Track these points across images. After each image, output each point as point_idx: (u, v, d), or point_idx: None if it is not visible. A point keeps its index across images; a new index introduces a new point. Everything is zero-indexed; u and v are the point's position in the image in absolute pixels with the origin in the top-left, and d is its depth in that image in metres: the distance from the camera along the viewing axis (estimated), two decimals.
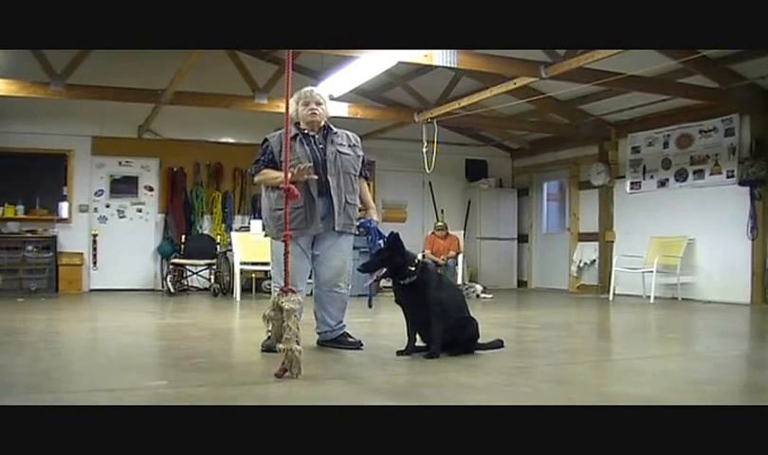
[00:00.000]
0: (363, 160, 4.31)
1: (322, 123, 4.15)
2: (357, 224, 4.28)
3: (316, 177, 3.90)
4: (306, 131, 4.12)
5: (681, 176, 9.19)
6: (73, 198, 10.18)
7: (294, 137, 4.00)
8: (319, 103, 4.12)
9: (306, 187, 3.91)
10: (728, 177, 8.52)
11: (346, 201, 4.10)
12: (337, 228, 4.06)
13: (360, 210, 4.32)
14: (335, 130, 4.20)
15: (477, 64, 6.96)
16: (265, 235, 4.23)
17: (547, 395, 2.99)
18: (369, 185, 4.59)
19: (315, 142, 4.11)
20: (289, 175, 3.57)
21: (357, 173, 4.23)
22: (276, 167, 3.99)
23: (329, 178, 4.04)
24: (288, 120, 3.57)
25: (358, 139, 4.31)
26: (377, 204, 10.51)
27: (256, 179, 4.13)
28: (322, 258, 4.15)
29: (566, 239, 11.47)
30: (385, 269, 3.84)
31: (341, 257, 4.17)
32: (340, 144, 4.16)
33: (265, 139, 4.15)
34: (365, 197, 4.35)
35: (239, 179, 10.93)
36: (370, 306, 4.38)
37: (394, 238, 3.87)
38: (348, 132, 4.30)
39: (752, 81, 7.99)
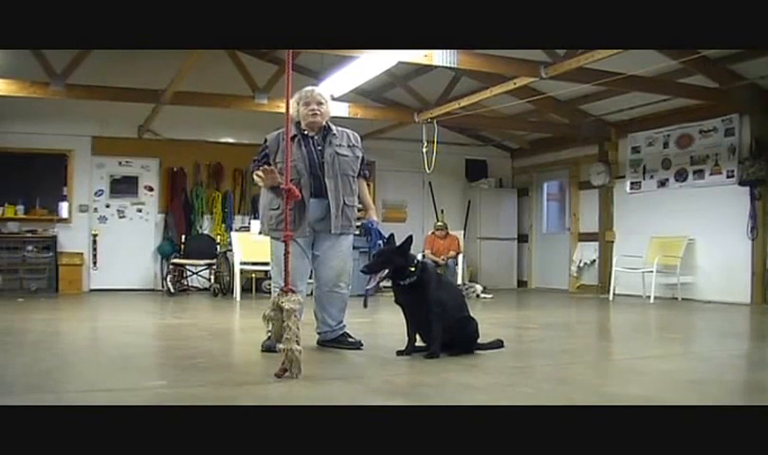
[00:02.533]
0: (363, 160, 4.28)
1: (324, 123, 4.12)
2: (359, 224, 4.27)
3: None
4: (306, 131, 4.10)
5: (681, 176, 9.19)
6: (73, 198, 10.18)
7: (292, 138, 3.95)
8: (319, 103, 4.08)
9: (299, 189, 3.90)
10: (728, 177, 8.52)
11: (344, 203, 4.08)
12: (333, 232, 4.05)
13: (360, 211, 4.31)
14: (334, 130, 4.15)
15: (477, 64, 6.95)
16: (260, 232, 4.26)
17: (547, 395, 2.99)
18: (369, 185, 4.57)
19: (313, 144, 4.08)
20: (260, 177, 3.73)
21: (356, 174, 4.19)
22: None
23: (326, 181, 4.02)
24: (288, 121, 3.56)
25: (359, 139, 4.26)
26: (377, 204, 10.51)
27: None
28: (322, 258, 4.14)
29: (566, 239, 11.46)
30: (387, 270, 3.83)
31: (341, 257, 4.16)
32: (339, 145, 4.11)
33: (266, 139, 4.15)
34: (364, 198, 4.33)
35: (239, 179, 10.93)
36: (365, 306, 4.33)
37: (404, 242, 3.86)
38: (348, 131, 4.26)
39: (752, 81, 7.99)
